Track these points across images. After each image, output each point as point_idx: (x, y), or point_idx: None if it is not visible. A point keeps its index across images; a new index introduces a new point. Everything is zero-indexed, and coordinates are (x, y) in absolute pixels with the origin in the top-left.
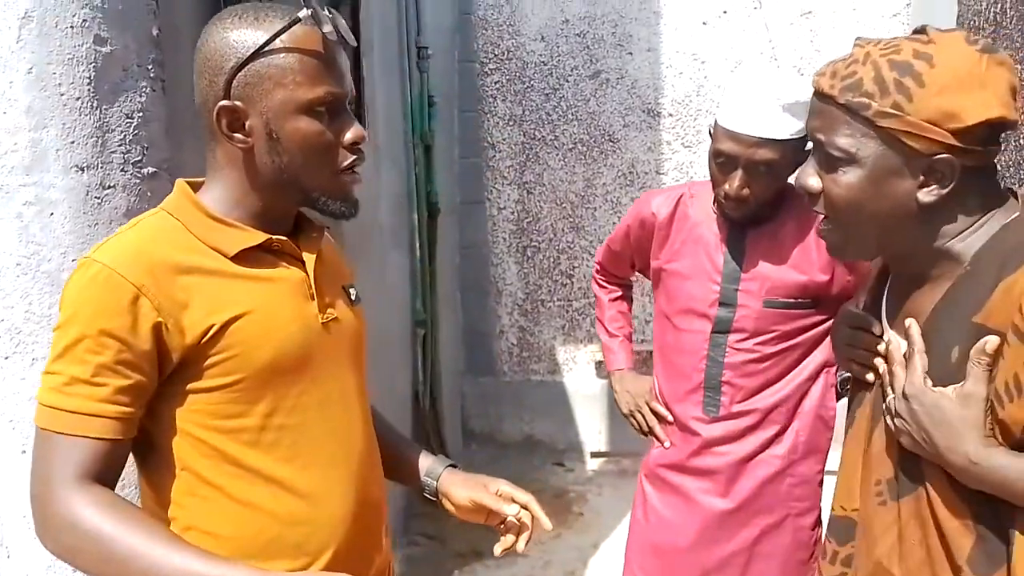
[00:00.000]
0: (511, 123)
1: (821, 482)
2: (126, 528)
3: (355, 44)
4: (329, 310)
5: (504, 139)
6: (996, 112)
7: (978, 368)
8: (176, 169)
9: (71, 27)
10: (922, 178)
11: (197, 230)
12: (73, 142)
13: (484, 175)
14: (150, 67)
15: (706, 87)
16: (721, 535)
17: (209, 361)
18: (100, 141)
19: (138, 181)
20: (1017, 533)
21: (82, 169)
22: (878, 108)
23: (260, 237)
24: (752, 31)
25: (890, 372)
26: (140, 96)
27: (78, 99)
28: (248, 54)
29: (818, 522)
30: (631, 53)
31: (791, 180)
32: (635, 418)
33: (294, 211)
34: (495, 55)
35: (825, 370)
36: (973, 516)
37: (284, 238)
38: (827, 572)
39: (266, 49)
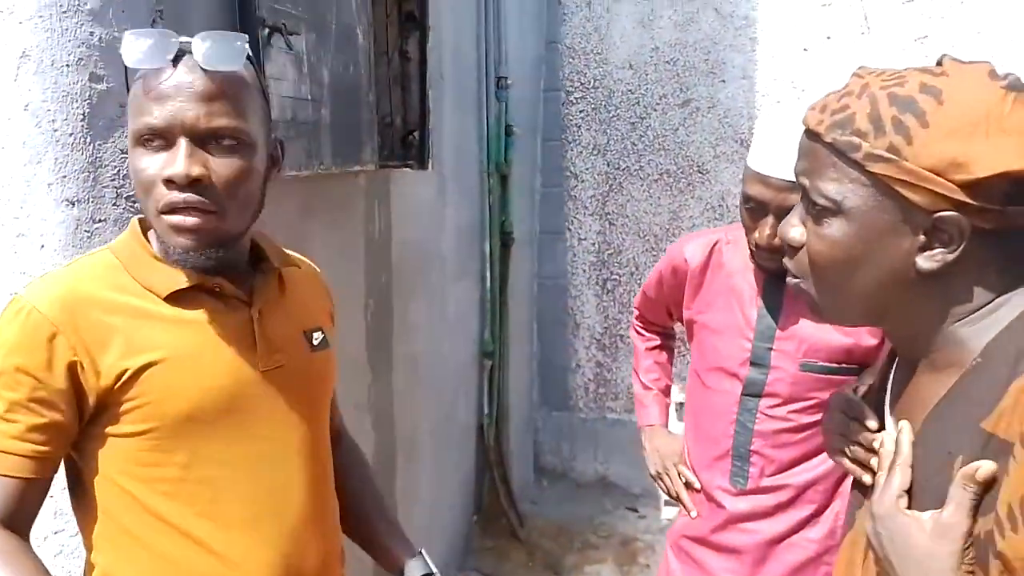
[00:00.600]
0: (595, 152)
1: None
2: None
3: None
4: (276, 356)
5: (587, 168)
6: (1017, 164)
7: (963, 494)
8: None
9: (67, 65)
10: (922, 238)
11: (135, 269)
12: (65, 176)
13: (565, 205)
14: None
15: None
16: None
17: (124, 407)
18: (92, 176)
19: (131, 216)
20: None
21: (73, 203)
22: (869, 150)
23: (192, 279)
24: (859, 58)
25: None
26: None
27: (71, 135)
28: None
29: None
30: (724, 81)
31: None
32: (662, 481)
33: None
34: (581, 84)
35: None
36: None
37: (221, 281)
38: None
39: (136, 76)
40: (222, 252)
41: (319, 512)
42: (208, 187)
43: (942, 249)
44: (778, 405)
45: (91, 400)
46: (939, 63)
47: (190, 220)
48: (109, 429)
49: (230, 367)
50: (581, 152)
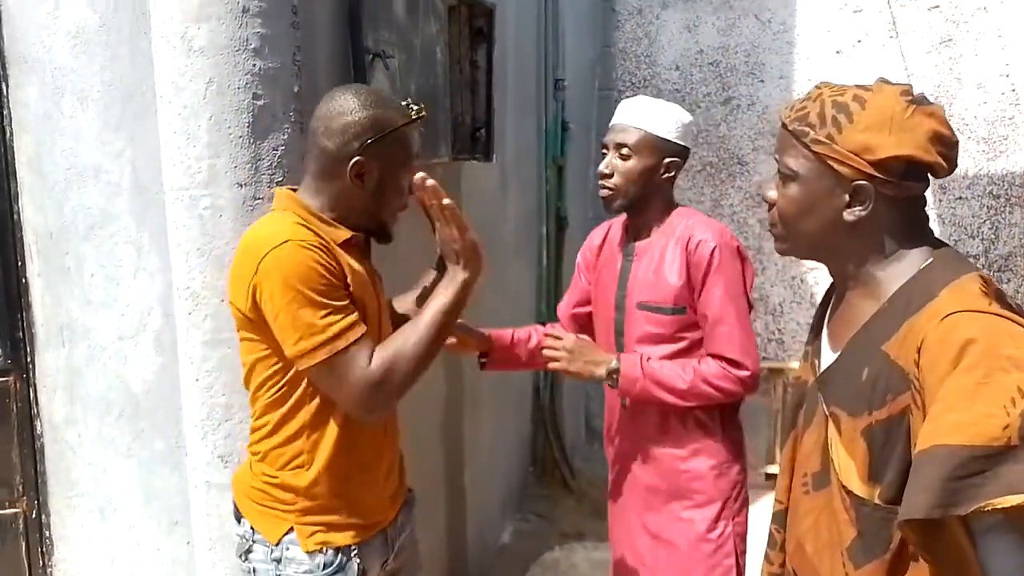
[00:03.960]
0: None
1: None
2: (395, 334)
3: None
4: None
5: None
6: (908, 151)
7: None
8: None
9: (238, 88)
10: (847, 199)
11: (315, 227)
12: (236, 167)
13: None
14: (291, 114)
15: None
16: (623, 429)
17: None
18: (254, 166)
19: None
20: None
21: (242, 185)
22: (814, 136)
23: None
24: (888, 59)
25: None
26: (283, 135)
27: (240, 137)
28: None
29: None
30: (763, 80)
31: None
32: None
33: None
34: (632, 83)
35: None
36: (857, 514)
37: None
38: (775, 558)
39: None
40: None
41: None
42: None
43: (859, 207)
44: (635, 341)
45: None
46: (877, 82)
47: None
48: None
49: (372, 290)
50: None
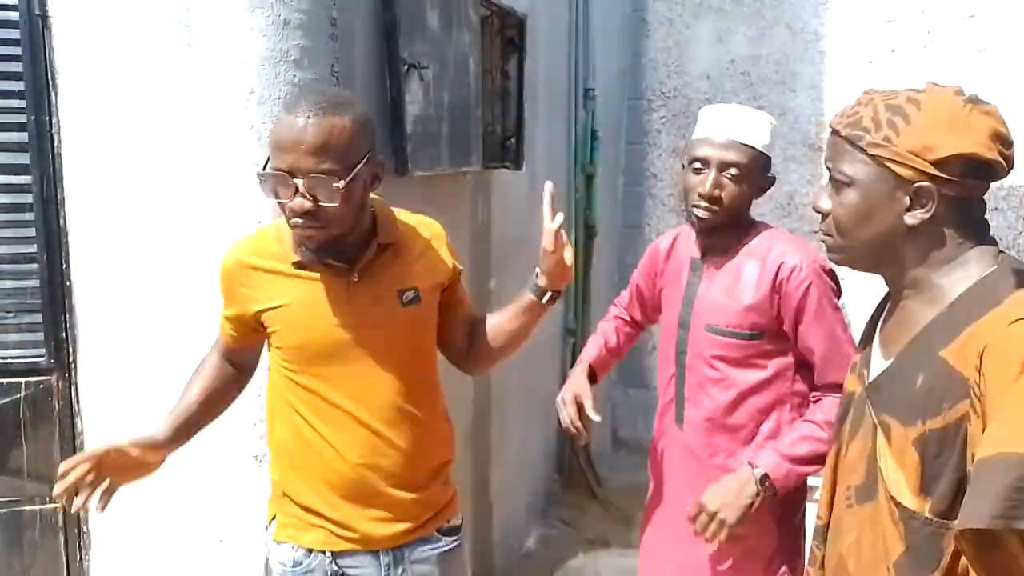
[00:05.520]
0: (673, 155)
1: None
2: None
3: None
4: (367, 310)
5: (666, 169)
6: (969, 148)
7: None
8: None
9: (278, 98)
10: (908, 201)
11: (283, 242)
12: None
13: (645, 202)
14: None
15: None
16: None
17: (268, 331)
18: None
19: None
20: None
21: None
22: (871, 140)
23: (306, 255)
24: (921, 69)
25: None
26: None
27: None
28: None
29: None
30: (794, 90)
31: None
32: (562, 409)
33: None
34: (662, 93)
35: (779, 407)
36: (906, 529)
37: (316, 259)
38: None
39: None
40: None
41: (401, 425)
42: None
43: (921, 210)
44: (699, 361)
45: (253, 321)
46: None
47: (304, 234)
48: (271, 342)
49: (331, 313)
50: (660, 155)
